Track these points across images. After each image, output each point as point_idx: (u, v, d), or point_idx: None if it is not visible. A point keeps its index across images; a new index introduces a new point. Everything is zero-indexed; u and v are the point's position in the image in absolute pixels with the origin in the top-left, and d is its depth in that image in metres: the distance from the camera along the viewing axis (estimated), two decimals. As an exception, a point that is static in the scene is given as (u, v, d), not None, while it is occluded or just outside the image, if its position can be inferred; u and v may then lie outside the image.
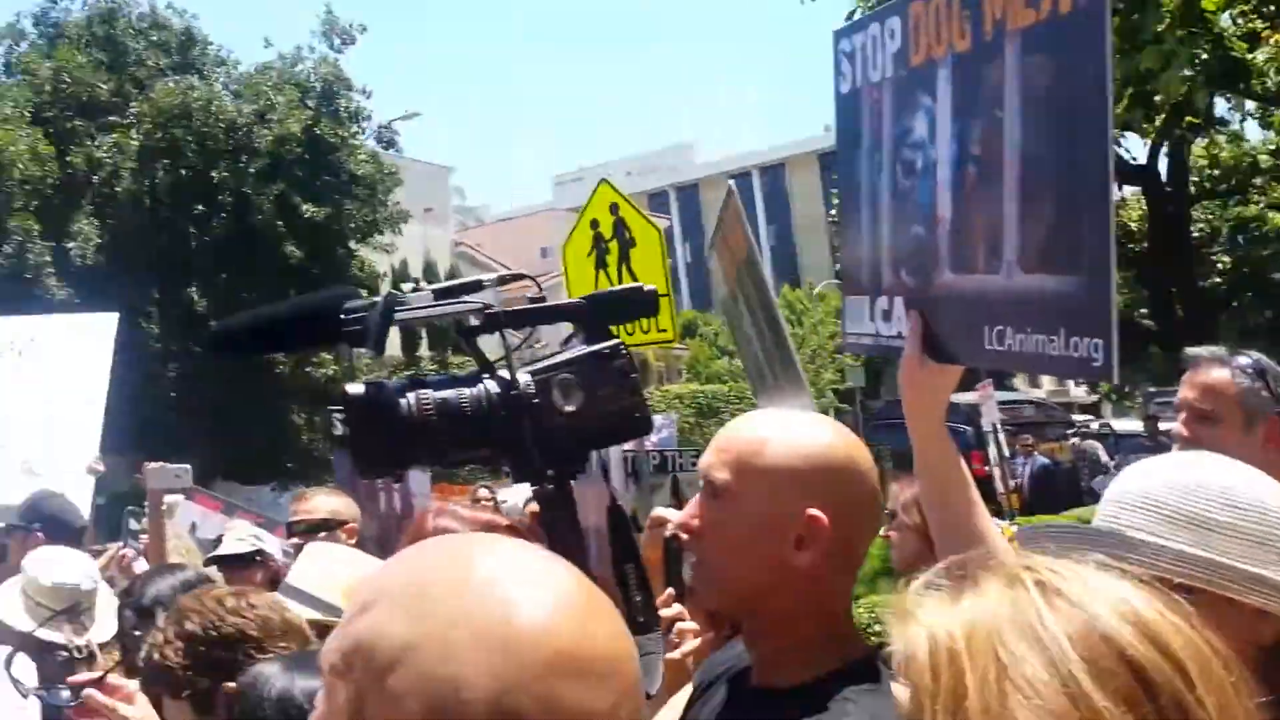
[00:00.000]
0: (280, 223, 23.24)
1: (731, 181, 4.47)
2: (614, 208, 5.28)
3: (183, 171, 23.23)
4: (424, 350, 28.09)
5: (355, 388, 1.25)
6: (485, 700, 0.73)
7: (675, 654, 1.99)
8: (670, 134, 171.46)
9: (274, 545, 3.90)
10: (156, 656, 1.82)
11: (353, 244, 25.54)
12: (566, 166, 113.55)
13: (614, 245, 5.22)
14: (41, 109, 22.91)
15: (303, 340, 1.58)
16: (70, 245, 21.83)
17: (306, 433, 24.71)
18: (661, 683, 1.33)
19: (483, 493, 7.46)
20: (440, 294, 1.41)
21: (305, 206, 23.26)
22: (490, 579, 0.79)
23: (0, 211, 21.37)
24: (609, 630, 0.80)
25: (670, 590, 2.07)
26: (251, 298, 23.91)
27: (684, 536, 1.55)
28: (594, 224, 5.29)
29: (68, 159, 22.48)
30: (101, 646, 3.00)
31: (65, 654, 2.82)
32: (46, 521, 3.79)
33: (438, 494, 3.84)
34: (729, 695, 1.55)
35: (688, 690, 1.69)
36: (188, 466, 4.48)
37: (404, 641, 0.76)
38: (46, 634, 2.91)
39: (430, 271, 32.21)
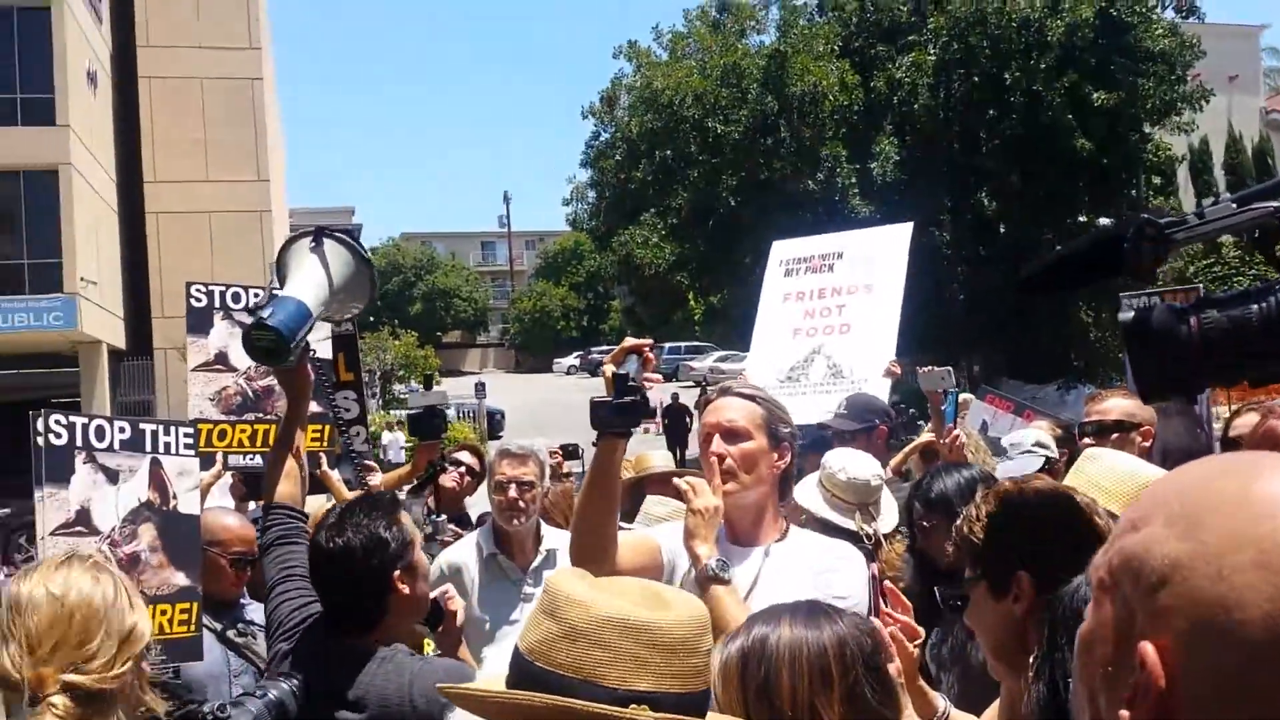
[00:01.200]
0: (1070, 115, 22.66)
1: None
2: None
3: (975, 79, 23.77)
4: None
5: (1125, 315, 1.19)
6: (1260, 622, 0.70)
7: None
8: None
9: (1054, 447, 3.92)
10: (966, 531, 1.95)
11: (1147, 128, 23.77)
12: None
13: None
14: (849, 41, 25.07)
15: (1092, 275, 1.52)
16: (872, 165, 23.72)
17: (1094, 330, 23.97)
18: None
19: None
20: (1242, 200, 1.26)
21: (1097, 94, 22.37)
22: (1273, 499, 0.75)
23: (814, 141, 24.05)
24: None
25: None
26: (1039, 196, 23.82)
27: None
28: None
29: (871, 85, 24.32)
30: (885, 536, 3.42)
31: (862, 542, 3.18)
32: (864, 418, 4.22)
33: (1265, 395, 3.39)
34: None
35: None
36: (949, 369, 4.58)
37: (1174, 559, 0.75)
38: (840, 520, 3.36)
39: (1233, 148, 28.53)
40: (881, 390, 4.36)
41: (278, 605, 2.53)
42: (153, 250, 29.96)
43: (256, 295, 4.27)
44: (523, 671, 1.31)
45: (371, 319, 57.91)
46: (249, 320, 2.56)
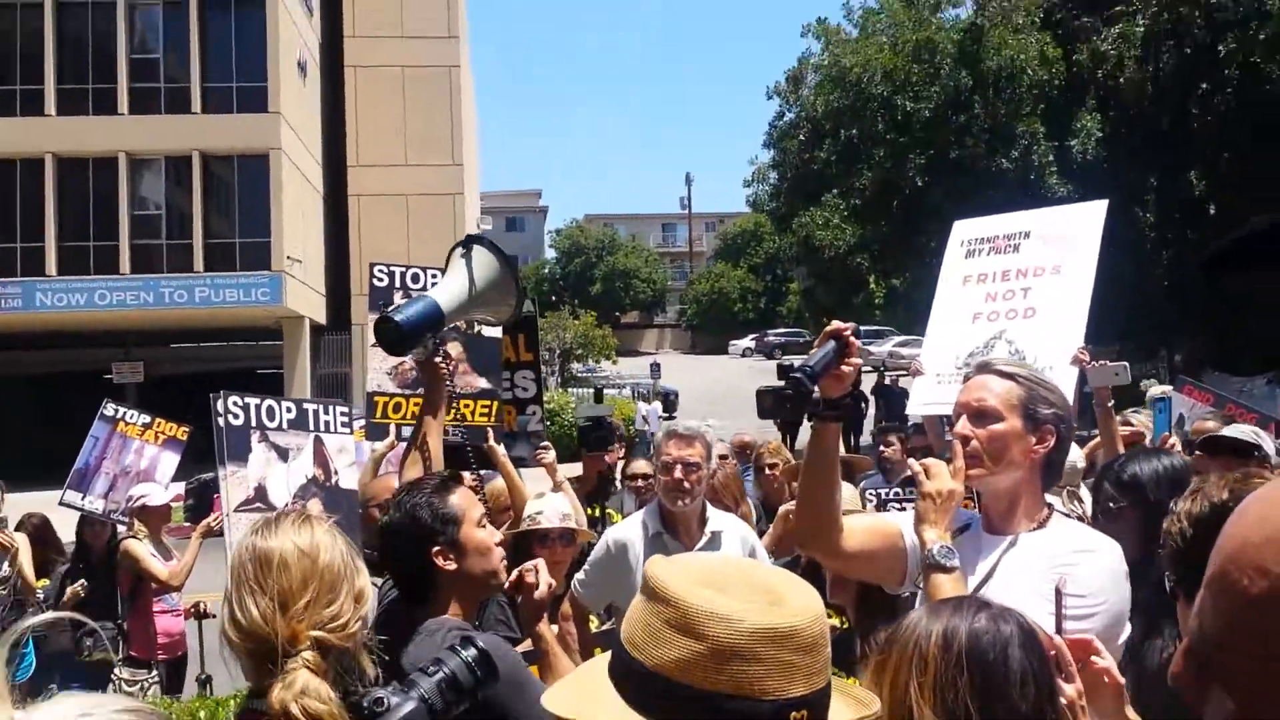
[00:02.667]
0: (1293, 89, 20.89)
1: None
2: None
3: (1187, 50, 22.21)
4: None
5: None
6: None
7: None
8: None
9: (1269, 444, 3.62)
10: (1169, 530, 1.91)
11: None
12: None
13: None
14: (1051, 12, 23.87)
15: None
16: (1072, 143, 22.55)
17: (1318, 319, 22.11)
18: None
19: None
20: None
21: (1324, 67, 20.50)
22: None
23: (1009, 118, 23.03)
24: None
25: None
26: (1254, 175, 22.09)
27: None
28: None
29: (1073, 58, 23.09)
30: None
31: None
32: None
33: None
34: None
35: None
36: (1125, 364, 4.27)
37: None
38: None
39: None
40: (1068, 379, 4.10)
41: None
42: (353, 230, 31.58)
43: (434, 276, 4.47)
44: (663, 692, 1.25)
45: (553, 298, 59.39)
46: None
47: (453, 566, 2.44)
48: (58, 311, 25.53)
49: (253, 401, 4.00)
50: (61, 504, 6.43)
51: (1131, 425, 4.69)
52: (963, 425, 2.38)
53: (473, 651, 1.94)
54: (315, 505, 4.00)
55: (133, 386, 25.10)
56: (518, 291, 3.07)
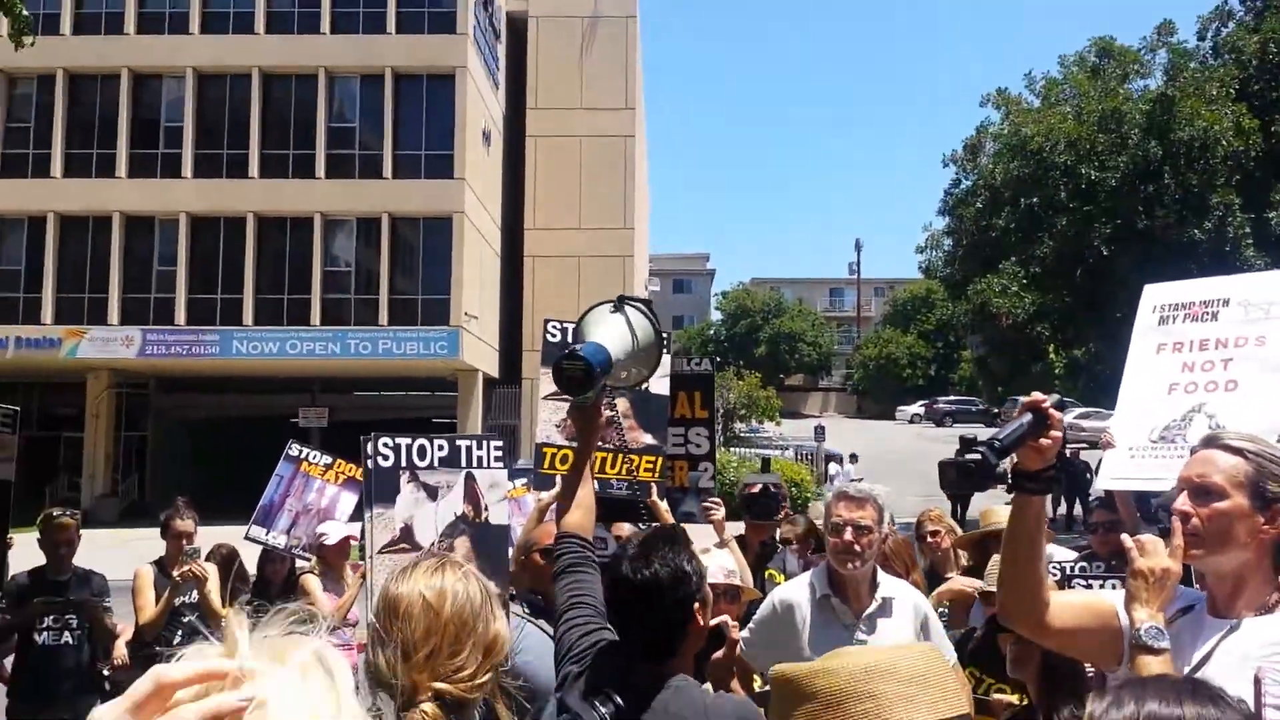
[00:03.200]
0: None
1: None
2: None
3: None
4: None
5: None
6: None
7: None
8: None
9: None
10: None
11: None
12: None
13: None
14: (1246, 84, 22.72)
15: None
16: (1270, 215, 21.27)
17: None
18: None
19: None
20: None
21: None
22: None
23: (1203, 188, 21.89)
24: None
25: None
26: None
27: None
28: None
29: (1271, 129, 21.87)
30: None
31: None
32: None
33: None
34: None
35: None
36: None
37: None
38: None
39: None
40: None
41: (568, 630, 2.58)
42: (527, 289, 32.60)
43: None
44: None
45: (717, 359, 59.46)
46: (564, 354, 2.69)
47: (702, 622, 2.45)
48: (252, 359, 27.21)
49: (404, 441, 4.01)
50: (247, 539, 6.73)
51: None
52: (1183, 501, 2.25)
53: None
54: (463, 543, 4.02)
55: (317, 430, 26.42)
56: (660, 344, 3.09)
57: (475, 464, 4.10)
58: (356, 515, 7.07)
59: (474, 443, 4.16)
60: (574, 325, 4.77)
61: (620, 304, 2.94)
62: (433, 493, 4.01)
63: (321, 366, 27.90)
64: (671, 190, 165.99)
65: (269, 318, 27.52)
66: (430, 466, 4.02)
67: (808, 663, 1.35)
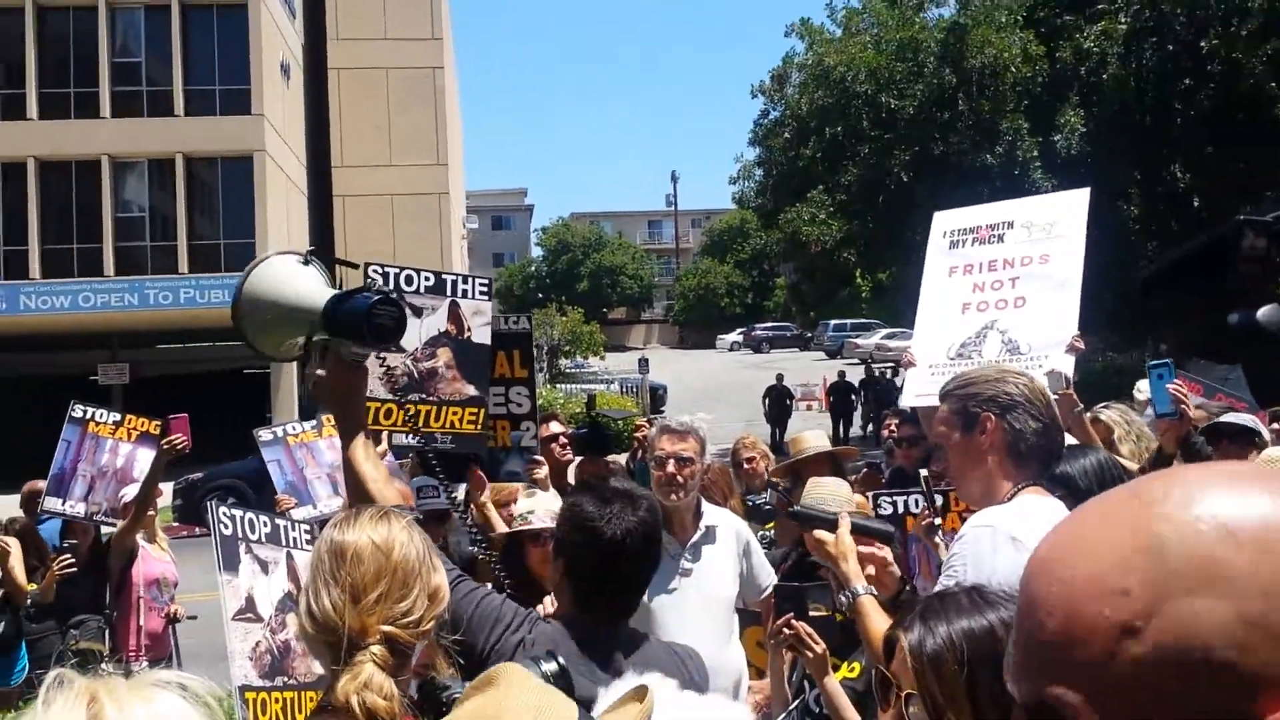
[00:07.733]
0: (1274, 84, 20.99)
1: None
2: None
3: (1170, 47, 22.34)
4: None
5: (1233, 318, 1.07)
6: None
7: None
8: None
9: (1265, 431, 3.66)
10: None
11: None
12: None
13: None
14: (1034, 10, 23.98)
15: (1205, 281, 1.39)
16: (1056, 138, 22.64)
17: None
18: None
19: None
20: None
21: (1305, 62, 20.64)
22: None
23: (994, 114, 23.12)
24: None
25: None
26: (1237, 169, 22.22)
27: None
28: None
29: (1056, 55, 23.20)
30: None
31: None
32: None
33: None
34: None
35: None
36: (1063, 374, 4.17)
37: None
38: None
39: None
40: (1065, 367, 4.12)
41: (485, 597, 2.43)
42: (339, 231, 31.43)
43: (428, 279, 4.48)
44: None
45: (539, 295, 59.24)
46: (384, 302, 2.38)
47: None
48: (42, 314, 25.38)
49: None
50: (42, 512, 6.31)
51: (1101, 420, 4.69)
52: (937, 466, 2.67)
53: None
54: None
55: (119, 388, 24.99)
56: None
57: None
58: (168, 477, 6.75)
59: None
60: (396, 270, 4.63)
61: (308, 259, 2.63)
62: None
63: (119, 319, 26.23)
64: (485, 126, 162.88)
65: (58, 269, 25.64)
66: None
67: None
